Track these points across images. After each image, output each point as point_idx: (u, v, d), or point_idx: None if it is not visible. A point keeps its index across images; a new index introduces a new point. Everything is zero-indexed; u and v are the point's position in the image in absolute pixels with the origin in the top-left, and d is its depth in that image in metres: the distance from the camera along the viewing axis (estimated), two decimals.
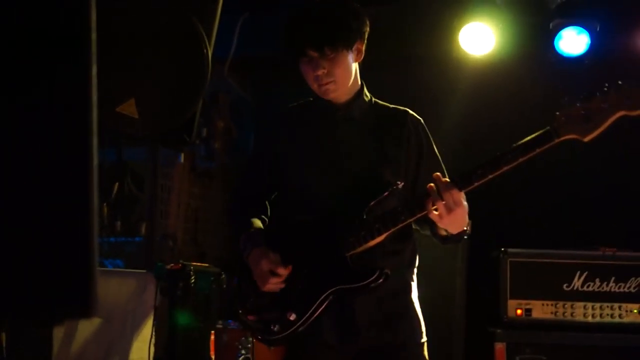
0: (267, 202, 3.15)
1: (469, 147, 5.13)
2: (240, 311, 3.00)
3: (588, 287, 4.63)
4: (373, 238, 2.79)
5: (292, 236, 2.96)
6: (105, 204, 4.59)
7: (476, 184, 2.67)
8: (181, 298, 4.40)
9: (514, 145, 2.61)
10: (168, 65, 3.75)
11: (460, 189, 2.67)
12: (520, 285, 4.62)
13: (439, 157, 3.02)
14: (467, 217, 2.78)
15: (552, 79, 5.32)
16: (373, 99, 3.06)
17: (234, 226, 3.10)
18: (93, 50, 1.20)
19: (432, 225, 2.85)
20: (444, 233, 2.83)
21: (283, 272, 2.85)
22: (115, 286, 4.30)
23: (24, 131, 1.18)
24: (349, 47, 2.85)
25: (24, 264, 1.18)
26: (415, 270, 3.03)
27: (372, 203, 2.80)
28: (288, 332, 2.87)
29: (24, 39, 1.18)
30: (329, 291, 2.82)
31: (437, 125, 3.33)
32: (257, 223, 3.04)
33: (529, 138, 2.61)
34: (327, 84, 2.87)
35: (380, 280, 2.77)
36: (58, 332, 3.94)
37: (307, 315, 2.85)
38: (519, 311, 4.61)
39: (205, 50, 3.74)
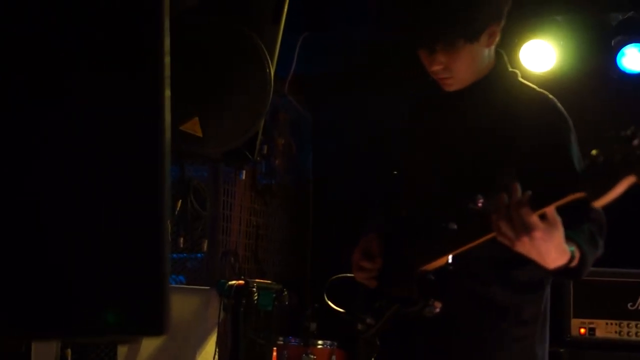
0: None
1: None
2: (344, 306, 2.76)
3: None
4: (436, 257, 2.34)
5: (393, 234, 2.59)
6: (168, 221, 4.65)
7: (555, 204, 2.05)
8: (244, 315, 4.43)
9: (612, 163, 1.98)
10: (231, 84, 3.80)
11: (532, 209, 2.04)
12: (584, 304, 4.58)
13: (573, 161, 2.37)
14: (560, 248, 2.11)
15: (614, 96, 5.27)
16: (518, 78, 2.57)
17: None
18: (167, 73, 1.23)
19: None
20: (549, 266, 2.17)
21: (366, 265, 2.55)
22: (178, 302, 4.35)
23: (100, 152, 1.21)
24: (473, 38, 2.38)
25: (97, 282, 1.20)
26: (524, 333, 2.44)
27: (452, 217, 2.29)
28: (367, 334, 2.60)
29: (98, 62, 1.21)
30: (391, 309, 2.50)
31: None
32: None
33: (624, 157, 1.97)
34: (445, 78, 2.48)
35: (428, 310, 2.33)
36: (122, 349, 3.99)
37: (377, 325, 2.56)
38: (582, 330, 4.56)
39: (268, 70, 3.78)
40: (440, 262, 2.33)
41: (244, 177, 5.61)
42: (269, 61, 3.79)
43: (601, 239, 2.39)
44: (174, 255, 4.90)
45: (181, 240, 4.85)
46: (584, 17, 5.32)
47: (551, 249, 2.09)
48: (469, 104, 2.52)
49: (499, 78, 2.54)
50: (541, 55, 5.22)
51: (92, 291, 1.20)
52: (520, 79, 2.59)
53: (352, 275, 2.68)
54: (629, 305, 4.57)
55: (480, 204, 2.18)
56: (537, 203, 2.04)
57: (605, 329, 4.56)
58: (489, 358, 2.44)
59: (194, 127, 3.68)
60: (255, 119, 3.90)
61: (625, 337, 4.55)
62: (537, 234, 2.04)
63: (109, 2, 1.20)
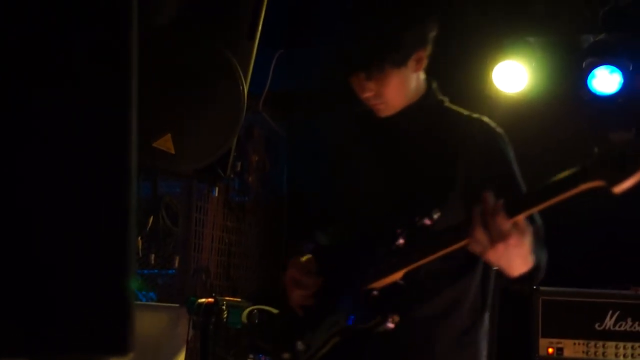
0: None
1: None
2: (262, 335, 2.72)
3: (620, 326, 4.60)
4: (387, 274, 2.35)
5: (330, 258, 2.58)
6: (139, 237, 4.64)
7: (530, 210, 2.14)
8: (213, 332, 4.42)
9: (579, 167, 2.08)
10: (204, 100, 3.80)
11: (509, 216, 2.09)
12: (552, 323, 4.60)
13: (516, 177, 2.49)
14: (526, 254, 2.20)
15: (585, 118, 5.32)
16: (446, 102, 2.66)
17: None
18: (134, 89, 1.23)
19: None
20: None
21: (308, 281, 2.50)
22: (148, 320, 4.34)
23: (65, 167, 1.21)
24: (401, 64, 2.46)
25: (60, 299, 1.20)
26: (465, 325, 2.52)
27: (400, 231, 2.34)
28: None
29: (65, 78, 1.21)
30: (336, 328, 2.45)
31: None
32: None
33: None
34: (376, 104, 2.53)
35: (389, 325, 2.32)
36: None
37: (312, 350, 2.48)
38: (550, 350, 4.59)
39: (241, 86, 3.79)
40: (391, 279, 2.36)
41: (216, 194, 5.61)
42: (243, 78, 3.79)
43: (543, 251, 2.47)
44: (145, 271, 4.89)
45: (152, 256, 4.83)
46: (556, 39, 5.37)
47: (520, 255, 2.18)
48: (403, 128, 2.58)
49: (431, 103, 2.62)
50: (513, 76, 5.26)
51: (56, 310, 1.20)
52: (450, 105, 2.66)
53: (266, 308, 2.75)
54: (596, 325, 4.60)
55: (435, 218, 2.27)
56: (513, 210, 2.10)
57: (573, 348, 4.59)
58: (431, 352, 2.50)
59: (166, 143, 3.68)
60: (228, 136, 3.90)
61: (592, 357, 4.57)
62: (512, 241, 2.10)
63: (76, 21, 1.20)
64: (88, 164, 1.22)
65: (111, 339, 1.22)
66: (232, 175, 5.56)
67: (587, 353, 4.58)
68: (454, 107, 2.66)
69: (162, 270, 5.11)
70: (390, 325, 2.33)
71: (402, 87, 2.53)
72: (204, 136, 3.83)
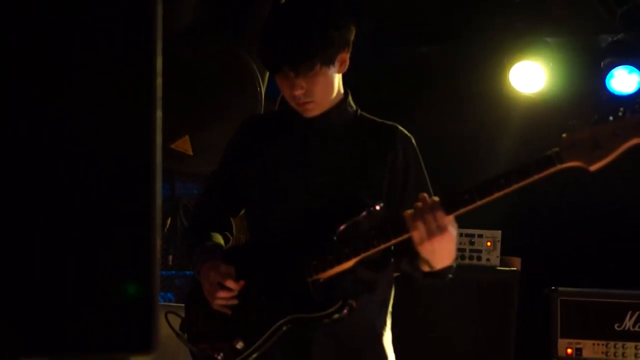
0: (231, 219, 2.86)
1: None
2: (186, 337, 2.67)
3: (639, 327, 4.58)
4: (339, 263, 2.44)
5: (251, 256, 2.63)
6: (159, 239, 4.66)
7: (462, 209, 2.34)
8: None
9: (510, 169, 2.32)
10: (222, 102, 3.82)
11: (446, 212, 2.32)
12: (571, 324, 4.59)
13: (427, 180, 2.67)
14: (454, 249, 2.44)
15: (582, 121, 5.29)
16: (359, 111, 2.71)
17: (189, 242, 2.77)
18: (159, 94, 1.24)
19: (412, 257, 2.48)
20: (426, 268, 2.46)
21: (233, 285, 2.49)
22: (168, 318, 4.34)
23: (91, 172, 1.22)
24: (330, 62, 2.52)
25: (85, 299, 1.21)
26: (390, 309, 2.67)
27: (344, 225, 2.46)
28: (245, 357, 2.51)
29: (90, 82, 1.22)
30: (284, 320, 2.48)
31: (489, 163, 3.33)
32: (217, 238, 2.73)
33: (527, 162, 2.29)
34: (305, 103, 2.55)
35: (344, 312, 2.42)
36: None
37: (256, 345, 2.50)
38: (569, 350, 4.57)
39: (259, 89, 3.80)
40: (343, 268, 2.47)
41: None
42: (260, 81, 3.81)
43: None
44: (163, 272, 4.90)
45: (170, 257, 4.85)
46: (574, 39, 5.36)
47: (450, 250, 2.41)
48: (328, 129, 2.64)
49: (349, 108, 2.70)
50: (531, 77, 5.25)
51: (80, 308, 1.20)
52: (362, 113, 2.74)
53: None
54: (616, 325, 4.58)
55: (378, 209, 2.46)
56: (450, 207, 2.33)
57: (592, 349, 4.57)
58: (378, 341, 2.61)
59: (184, 145, 3.69)
60: None
61: (612, 357, 4.55)
62: (447, 236, 2.33)
63: (102, 24, 1.21)
64: (114, 165, 1.23)
65: (136, 338, 1.23)
66: None
67: (606, 354, 4.56)
68: (367, 115, 2.74)
69: (179, 271, 5.12)
70: (345, 312, 2.43)
71: (329, 87, 2.58)
72: (221, 138, 3.84)
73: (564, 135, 2.26)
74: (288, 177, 2.64)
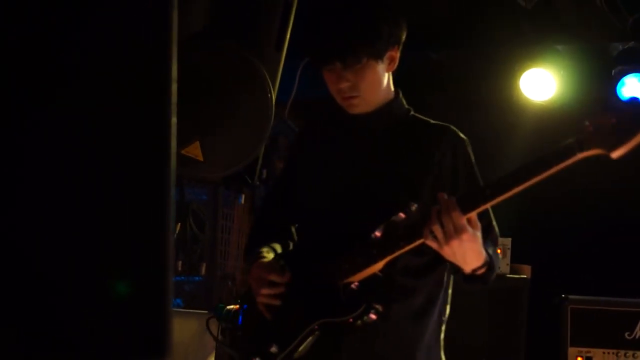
0: (292, 227, 2.77)
1: (529, 191, 5.11)
2: (226, 342, 2.67)
3: None
4: (368, 265, 2.37)
5: (294, 260, 2.59)
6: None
7: (482, 207, 2.25)
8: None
9: (528, 161, 2.22)
10: (233, 108, 3.81)
11: (463, 212, 2.22)
12: (581, 332, 4.57)
13: (480, 183, 2.55)
14: (479, 250, 2.31)
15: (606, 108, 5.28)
16: (412, 112, 2.65)
17: (248, 252, 2.73)
18: (173, 100, 1.24)
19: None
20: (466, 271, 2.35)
21: (277, 278, 2.48)
22: (176, 326, 4.34)
23: (106, 180, 1.22)
24: (378, 57, 2.48)
25: (100, 305, 1.21)
26: (439, 320, 2.57)
27: (380, 227, 2.37)
28: None
29: (105, 89, 1.22)
30: (314, 324, 2.42)
31: (498, 171, 3.31)
32: (274, 245, 2.69)
33: (546, 153, 2.18)
34: (351, 98, 2.51)
35: (371, 316, 2.34)
36: None
37: (289, 350, 2.45)
38: (579, 359, 4.56)
39: (269, 95, 3.80)
40: (371, 271, 2.38)
41: (243, 201, 5.62)
42: (271, 86, 3.81)
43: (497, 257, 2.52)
44: (175, 278, 4.91)
45: (179, 263, 4.85)
46: (585, 47, 5.35)
47: (474, 250, 2.28)
48: (374, 128, 2.59)
49: (400, 108, 2.63)
50: (541, 84, 5.24)
51: (94, 315, 1.20)
52: (415, 114, 2.67)
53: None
54: (626, 334, 4.56)
55: (413, 210, 2.32)
56: (467, 207, 2.22)
57: (602, 358, 4.55)
58: (410, 355, 2.51)
59: (195, 151, 3.69)
60: (256, 144, 3.92)
61: None
62: (465, 236, 2.21)
63: (118, 30, 1.21)
64: (129, 171, 1.23)
65: (149, 343, 1.23)
66: (258, 183, 5.58)
67: None
68: (420, 116, 2.68)
69: (189, 277, 5.13)
70: (373, 316, 2.35)
71: (377, 83, 2.53)
72: (232, 144, 3.84)
73: (586, 122, 2.14)
74: (330, 179, 2.60)
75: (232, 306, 4.62)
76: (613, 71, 5.18)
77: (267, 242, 2.70)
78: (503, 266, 4.61)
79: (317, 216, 2.60)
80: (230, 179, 4.26)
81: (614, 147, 2.09)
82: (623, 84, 5.13)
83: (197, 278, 5.24)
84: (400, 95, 2.65)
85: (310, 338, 2.43)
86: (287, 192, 2.75)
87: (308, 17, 2.63)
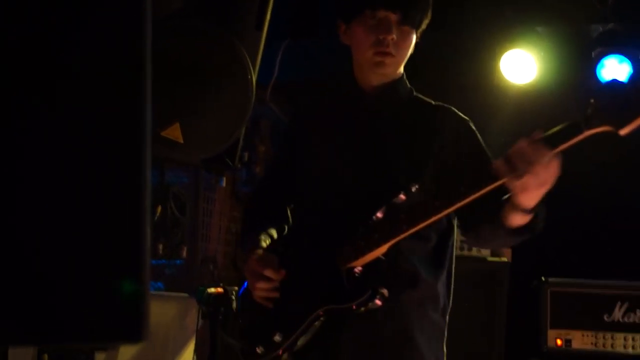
0: (287, 209, 2.74)
1: None
2: (227, 331, 2.65)
3: (629, 318, 4.60)
4: (370, 250, 2.33)
5: (293, 243, 2.56)
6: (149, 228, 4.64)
7: (568, 143, 2.15)
8: (222, 322, 4.42)
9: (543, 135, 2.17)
10: (213, 90, 3.79)
11: (552, 147, 2.14)
12: (561, 315, 4.60)
13: (490, 157, 2.51)
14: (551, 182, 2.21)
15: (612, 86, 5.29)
16: (414, 92, 2.64)
17: (244, 233, 2.73)
18: (148, 83, 1.23)
19: (495, 215, 2.30)
20: (517, 219, 2.26)
21: (270, 273, 2.42)
22: (156, 309, 4.34)
23: (80, 162, 1.20)
24: (419, 27, 2.52)
25: (76, 286, 1.20)
26: (443, 309, 2.54)
27: (381, 209, 2.34)
28: (271, 355, 2.45)
29: (80, 71, 1.21)
30: (318, 311, 2.38)
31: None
32: (270, 229, 2.63)
33: (553, 131, 2.16)
34: (387, 54, 2.46)
35: (376, 301, 2.30)
36: (100, 356, 3.97)
37: (293, 338, 2.42)
38: (559, 341, 4.58)
39: (249, 76, 3.78)
40: (375, 254, 2.34)
41: (224, 184, 5.61)
42: (251, 68, 3.78)
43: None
44: (153, 261, 4.89)
45: (160, 246, 4.83)
46: (565, 28, 5.35)
47: (545, 190, 2.19)
48: (377, 108, 2.56)
49: (405, 86, 2.62)
50: (522, 66, 5.25)
51: (70, 296, 1.19)
52: (417, 94, 2.66)
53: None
54: (605, 316, 4.59)
55: (413, 191, 2.31)
56: (553, 142, 2.13)
57: (581, 340, 4.58)
58: (412, 342, 2.47)
59: (174, 132, 3.67)
60: (236, 126, 3.89)
61: (601, 348, 4.57)
62: (553, 166, 2.14)
63: (89, 12, 1.19)
64: (103, 153, 1.22)
65: (125, 326, 1.22)
66: (239, 166, 5.56)
67: (595, 344, 4.57)
68: (422, 97, 2.67)
69: (169, 260, 5.11)
70: (378, 302, 2.31)
71: (407, 54, 2.53)
72: (212, 126, 3.82)
73: (592, 99, 2.14)
74: (333, 159, 2.56)
75: (212, 289, 4.63)
76: (593, 53, 5.19)
77: (263, 226, 2.64)
78: (484, 249, 4.63)
79: (320, 197, 2.56)
80: (211, 161, 4.24)
81: (623, 124, 2.09)
82: (603, 66, 5.15)
83: (178, 261, 5.22)
84: (404, 75, 2.64)
85: (315, 325, 2.40)
86: (285, 175, 2.71)
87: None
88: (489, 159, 2.49)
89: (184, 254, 5.08)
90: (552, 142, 2.15)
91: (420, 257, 2.46)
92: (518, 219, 2.29)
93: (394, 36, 2.44)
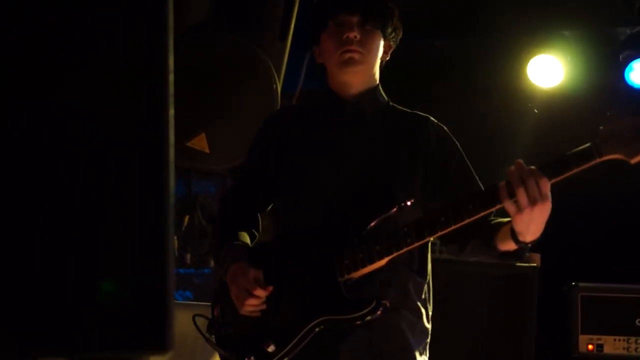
0: (258, 215, 2.74)
1: None
2: (214, 340, 2.60)
3: None
4: (372, 262, 2.36)
5: (280, 254, 2.53)
6: (175, 237, 4.66)
7: (566, 174, 2.20)
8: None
9: (548, 161, 2.22)
10: (238, 99, 3.81)
11: (550, 177, 2.18)
12: (592, 320, 4.56)
13: (471, 169, 2.59)
14: (544, 222, 2.25)
15: (622, 111, 5.25)
16: (391, 102, 2.68)
17: (216, 240, 2.68)
18: (170, 92, 1.23)
19: (488, 238, 2.36)
20: (505, 247, 2.31)
21: (261, 293, 2.41)
22: (185, 318, 4.35)
23: (103, 168, 1.21)
24: (384, 33, 2.58)
25: (102, 298, 1.20)
26: (429, 313, 2.58)
27: (374, 221, 2.37)
28: None
29: (101, 79, 1.21)
30: (316, 321, 2.38)
31: (505, 157, 3.29)
32: (244, 237, 2.61)
33: (565, 155, 2.21)
34: (354, 51, 2.51)
35: (377, 312, 2.34)
36: None
37: (288, 348, 2.40)
38: (590, 347, 4.54)
39: (274, 86, 3.79)
40: (372, 268, 2.38)
41: None
42: (276, 77, 3.80)
43: None
44: (181, 270, 4.90)
45: (188, 256, 4.85)
46: (592, 32, 5.31)
47: (543, 222, 2.22)
48: (358, 116, 2.59)
49: (383, 96, 2.67)
50: (549, 71, 5.21)
51: (94, 307, 1.20)
52: (394, 104, 2.71)
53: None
54: (637, 321, 4.54)
55: (409, 205, 2.37)
56: (552, 172, 2.19)
57: (613, 345, 4.54)
58: (407, 350, 2.51)
59: (200, 143, 3.69)
60: None
61: (633, 353, 4.52)
62: (548, 204, 2.18)
63: (112, 22, 1.20)
64: (126, 162, 1.22)
65: (150, 337, 1.22)
66: None
67: (627, 349, 4.52)
68: (399, 107, 2.71)
69: (198, 269, 5.12)
70: (379, 312, 2.35)
71: (376, 55, 2.59)
72: (238, 135, 3.83)
73: (601, 127, 2.18)
74: (319, 167, 2.56)
75: None
76: (621, 56, 5.15)
77: (239, 236, 2.62)
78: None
79: (305, 206, 2.56)
80: (237, 170, 4.25)
81: (635, 154, 2.13)
82: (631, 69, 5.10)
83: (206, 270, 5.23)
84: (380, 86, 2.68)
85: (311, 335, 2.40)
86: (258, 182, 2.70)
87: None
88: (469, 166, 2.59)
89: (212, 263, 5.09)
90: (561, 168, 2.20)
91: (406, 267, 2.50)
92: (510, 245, 2.32)
93: (357, 34, 2.51)
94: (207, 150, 3.71)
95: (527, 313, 4.72)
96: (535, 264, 4.61)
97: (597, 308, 4.57)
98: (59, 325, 1.17)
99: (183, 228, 4.75)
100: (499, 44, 5.34)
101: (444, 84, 5.01)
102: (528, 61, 5.23)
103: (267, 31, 3.86)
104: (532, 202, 2.16)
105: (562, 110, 5.39)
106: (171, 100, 1.23)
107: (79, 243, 1.18)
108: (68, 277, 1.18)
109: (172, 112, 1.23)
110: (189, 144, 3.67)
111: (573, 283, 4.62)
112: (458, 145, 2.63)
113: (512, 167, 2.19)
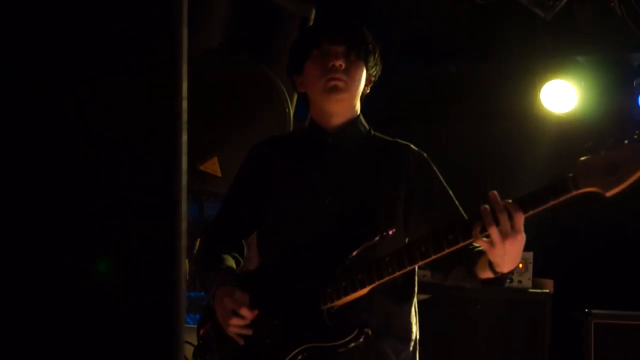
0: (243, 242, 2.79)
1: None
2: None
3: None
4: (354, 290, 2.39)
5: (265, 281, 2.57)
6: (187, 260, 4.66)
7: (539, 207, 2.23)
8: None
9: (527, 193, 2.25)
10: (250, 123, 3.81)
11: (524, 211, 2.22)
12: (605, 347, 4.53)
13: (452, 195, 2.64)
14: (521, 253, 2.30)
15: (598, 141, 5.23)
16: (372, 131, 2.72)
17: (202, 266, 2.72)
18: (184, 118, 1.23)
19: (469, 266, 2.42)
20: (486, 275, 2.36)
21: (247, 314, 2.44)
22: (195, 341, 4.34)
23: (116, 197, 1.21)
24: (366, 63, 2.63)
25: (109, 321, 1.20)
26: (417, 336, 2.61)
27: (356, 250, 2.42)
28: None
29: (115, 104, 1.22)
30: (299, 349, 2.42)
31: (518, 182, 3.29)
32: (229, 261, 2.65)
33: (542, 187, 2.24)
34: (339, 79, 2.55)
35: (360, 340, 2.37)
36: None
37: None
38: None
39: (287, 110, 3.79)
40: (354, 297, 2.41)
41: None
42: (289, 102, 3.81)
43: None
44: (192, 294, 4.89)
45: None
46: (606, 58, 5.31)
47: (519, 252, 2.28)
48: (339, 147, 2.63)
49: (364, 125, 2.71)
50: (562, 96, 5.21)
51: (105, 331, 1.20)
52: (376, 132, 2.75)
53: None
54: None
55: (390, 234, 2.42)
56: (528, 205, 2.23)
57: None
58: None
59: (213, 166, 3.69)
60: None
61: None
62: (520, 237, 2.23)
63: (126, 49, 1.21)
64: (140, 187, 1.22)
65: (159, 354, 1.22)
66: None
67: None
68: (380, 135, 2.75)
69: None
70: (361, 340, 2.38)
71: (359, 85, 2.62)
72: None
73: (579, 159, 2.22)
74: (302, 197, 2.61)
75: None
76: (635, 82, 5.14)
77: (225, 261, 2.66)
78: (525, 280, 4.58)
79: (288, 235, 2.59)
80: None
81: (609, 187, 2.17)
82: None
83: None
84: (361, 116, 2.72)
85: None
86: (240, 207, 2.75)
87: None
88: (448, 190, 2.63)
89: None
90: (537, 201, 2.23)
91: (389, 292, 2.51)
92: (489, 274, 2.37)
93: (342, 63, 2.56)
94: (219, 174, 3.71)
95: (540, 339, 4.69)
96: (548, 290, 4.58)
97: (610, 336, 4.54)
98: (69, 349, 1.17)
99: (194, 251, 4.76)
100: (513, 68, 5.35)
101: (459, 108, 5.01)
102: (542, 86, 5.22)
103: (281, 55, 3.87)
104: (504, 236, 2.21)
105: (575, 136, 5.37)
106: (184, 126, 1.24)
107: (92, 260, 1.19)
108: (79, 300, 1.18)
109: (185, 138, 1.23)
110: (201, 168, 3.67)
111: (586, 310, 4.59)
112: (436, 171, 2.67)
113: (486, 205, 2.23)
